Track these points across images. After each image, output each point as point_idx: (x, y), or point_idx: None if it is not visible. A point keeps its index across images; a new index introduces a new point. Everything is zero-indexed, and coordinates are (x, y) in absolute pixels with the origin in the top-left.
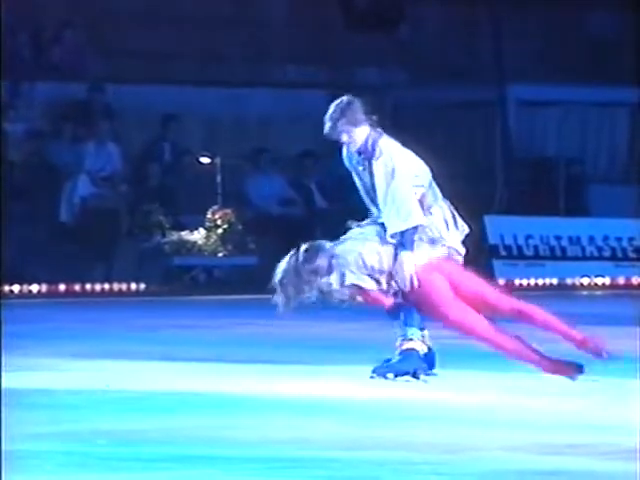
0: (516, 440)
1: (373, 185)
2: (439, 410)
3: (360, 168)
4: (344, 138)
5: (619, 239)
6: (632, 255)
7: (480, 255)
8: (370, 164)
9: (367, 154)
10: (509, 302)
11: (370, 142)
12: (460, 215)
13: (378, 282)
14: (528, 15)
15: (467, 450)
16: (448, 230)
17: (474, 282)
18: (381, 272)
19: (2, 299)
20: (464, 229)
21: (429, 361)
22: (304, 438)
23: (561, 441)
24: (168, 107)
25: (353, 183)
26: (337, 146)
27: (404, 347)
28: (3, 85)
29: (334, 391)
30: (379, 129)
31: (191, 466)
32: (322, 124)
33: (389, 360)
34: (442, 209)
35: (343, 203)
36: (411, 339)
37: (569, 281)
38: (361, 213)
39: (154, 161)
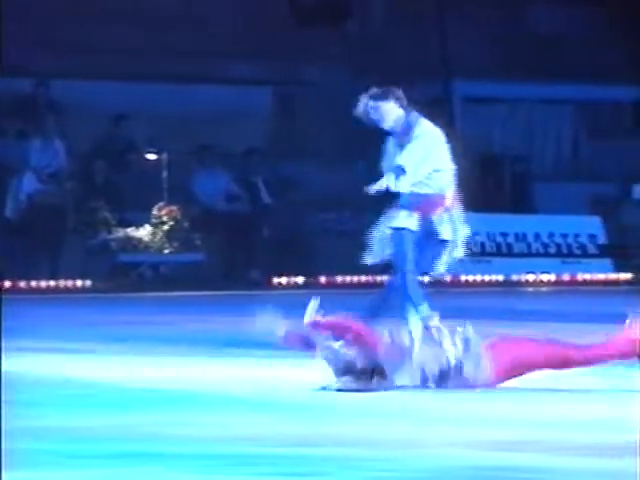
0: (465, 436)
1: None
2: (387, 406)
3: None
4: (377, 116)
5: (565, 236)
6: (577, 252)
7: None
8: (403, 145)
9: (401, 135)
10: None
11: (406, 125)
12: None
13: None
14: (473, 11)
15: (416, 446)
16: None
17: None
18: None
19: None
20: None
21: None
22: (252, 435)
23: (510, 437)
24: (114, 103)
25: (299, 180)
26: (282, 143)
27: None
28: None
29: (283, 388)
30: (416, 113)
31: (138, 463)
32: (269, 120)
33: None
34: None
35: (289, 200)
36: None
37: (515, 277)
38: (307, 210)
39: (100, 158)
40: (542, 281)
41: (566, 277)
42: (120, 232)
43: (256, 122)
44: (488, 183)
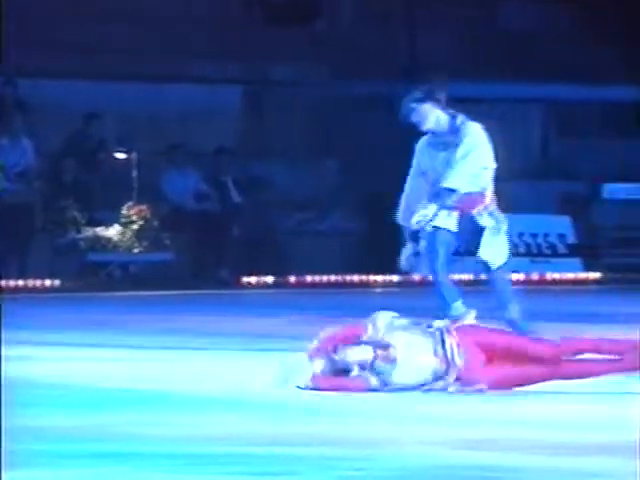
0: (435, 435)
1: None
2: (358, 405)
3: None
4: (417, 118)
5: (534, 235)
6: (547, 251)
7: (397, 250)
8: (449, 145)
9: (446, 135)
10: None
11: (451, 126)
12: None
13: None
14: (443, 10)
15: (386, 445)
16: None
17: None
18: None
19: None
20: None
21: None
22: (224, 434)
23: (479, 436)
24: (83, 102)
25: (268, 180)
26: (252, 142)
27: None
28: None
29: (253, 387)
30: (461, 115)
31: (109, 463)
32: (238, 119)
33: None
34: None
35: (258, 199)
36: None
37: (484, 277)
38: (277, 210)
39: (69, 157)
40: (512, 280)
41: (535, 276)
42: (89, 231)
43: (226, 121)
44: None
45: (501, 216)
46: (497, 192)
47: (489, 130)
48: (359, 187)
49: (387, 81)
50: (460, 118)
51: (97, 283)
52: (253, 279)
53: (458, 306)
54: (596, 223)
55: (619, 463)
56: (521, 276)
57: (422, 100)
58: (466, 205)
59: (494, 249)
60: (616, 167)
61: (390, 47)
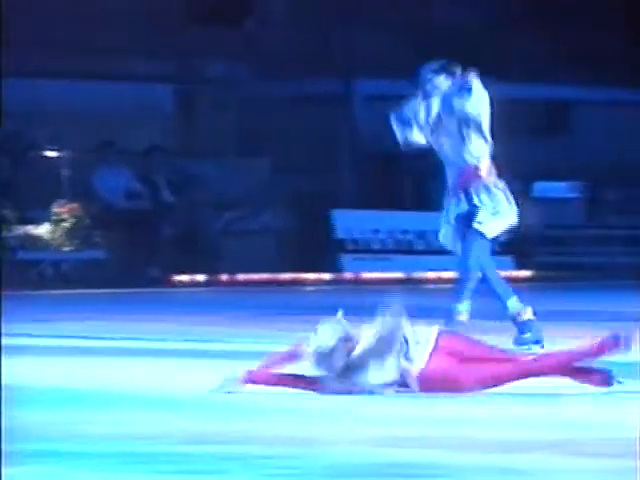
0: (363, 434)
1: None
2: (289, 404)
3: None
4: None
5: None
6: None
7: (328, 249)
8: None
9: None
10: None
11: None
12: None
13: None
14: (373, 9)
15: (316, 444)
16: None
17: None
18: None
19: None
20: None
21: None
22: (155, 433)
23: (408, 434)
24: (14, 100)
25: (199, 179)
26: (183, 141)
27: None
28: None
29: (183, 386)
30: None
31: (42, 462)
32: (170, 118)
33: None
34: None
35: (189, 198)
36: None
37: (416, 275)
38: (208, 209)
39: None
40: (443, 278)
41: None
42: (19, 230)
43: (157, 120)
44: (389, 181)
45: (498, 190)
46: (431, 191)
47: None
48: (290, 186)
49: (318, 80)
50: (470, 75)
51: (28, 282)
52: (184, 277)
53: (513, 303)
54: (526, 222)
55: (546, 460)
56: (452, 274)
57: (437, 72)
58: (463, 181)
59: (488, 223)
60: (545, 166)
61: (320, 46)
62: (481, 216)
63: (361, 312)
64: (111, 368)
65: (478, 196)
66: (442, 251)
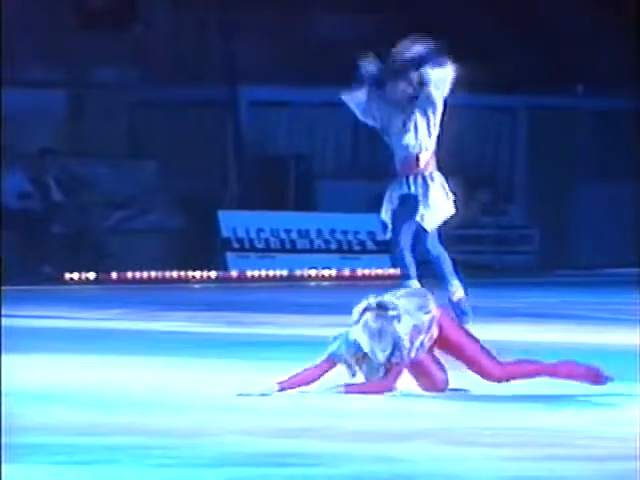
0: (248, 424)
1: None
2: (175, 396)
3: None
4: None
5: (345, 232)
6: (357, 248)
7: (214, 248)
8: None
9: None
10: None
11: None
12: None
13: None
14: (259, 17)
15: (202, 435)
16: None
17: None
18: None
19: None
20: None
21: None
22: (42, 424)
23: (294, 425)
24: None
25: (89, 179)
26: (74, 143)
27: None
28: None
29: (71, 378)
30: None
31: None
32: (61, 121)
33: None
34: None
35: (80, 198)
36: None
37: (298, 272)
38: (97, 208)
39: None
40: (324, 276)
41: (346, 272)
42: None
43: (49, 123)
44: (272, 182)
45: (433, 183)
46: (313, 191)
47: (303, 134)
48: (177, 187)
49: (204, 86)
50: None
51: None
52: (75, 275)
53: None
54: None
55: (422, 448)
56: (333, 272)
57: (410, 59)
58: (403, 169)
59: (427, 213)
60: None
61: (206, 53)
62: (421, 211)
63: (246, 308)
64: (9, 362)
65: (415, 185)
66: (323, 250)
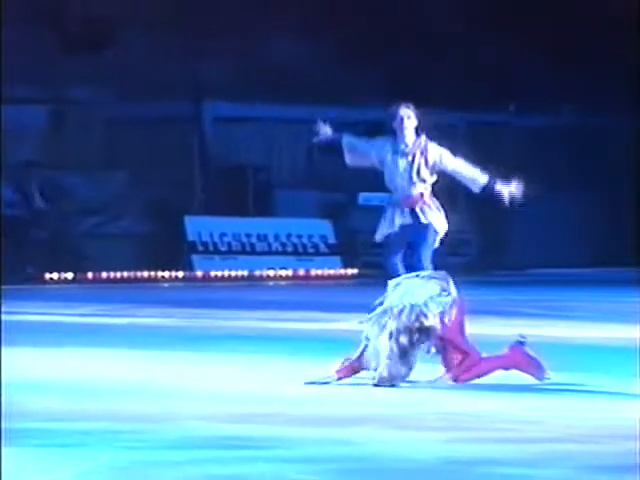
0: (208, 410)
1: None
2: (142, 386)
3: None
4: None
5: (300, 236)
6: (311, 250)
7: (181, 251)
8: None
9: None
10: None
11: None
12: None
13: None
14: (222, 41)
15: (166, 420)
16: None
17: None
18: None
19: None
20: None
21: None
22: (19, 412)
23: (250, 411)
24: None
25: (68, 189)
26: (54, 156)
27: None
28: None
29: (48, 369)
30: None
31: None
32: (42, 136)
33: None
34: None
35: (59, 206)
36: None
37: (258, 273)
38: (75, 215)
39: None
40: (281, 276)
41: (301, 272)
42: None
43: (31, 137)
44: (234, 190)
45: (436, 208)
46: (271, 199)
47: (261, 147)
48: (147, 195)
49: (172, 103)
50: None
51: None
52: (55, 275)
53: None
54: (352, 226)
55: (372, 432)
56: (289, 272)
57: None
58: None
59: (434, 237)
60: (369, 178)
61: (173, 73)
62: (432, 233)
63: (210, 305)
64: None
65: (424, 214)
66: (280, 252)
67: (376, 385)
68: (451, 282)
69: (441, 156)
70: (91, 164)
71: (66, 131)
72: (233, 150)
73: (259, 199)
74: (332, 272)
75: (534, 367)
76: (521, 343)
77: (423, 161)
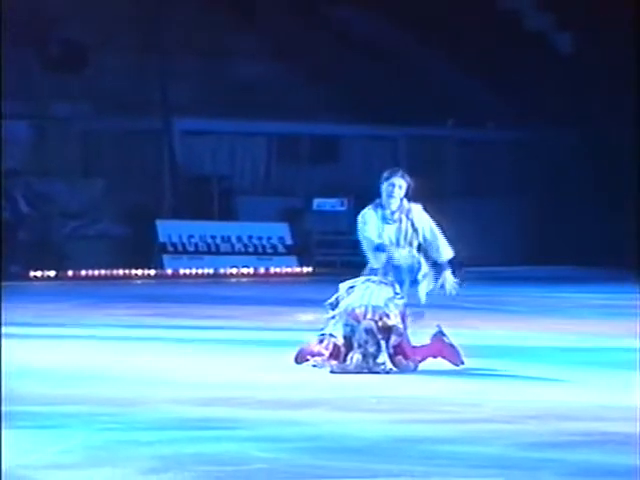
0: (180, 395)
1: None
2: (117, 372)
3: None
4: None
5: (260, 238)
6: (270, 251)
7: (152, 251)
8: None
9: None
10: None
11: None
12: None
13: None
14: (189, 61)
15: (139, 404)
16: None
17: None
18: None
19: None
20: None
21: None
22: (9, 397)
23: (216, 395)
24: None
25: (50, 195)
26: (37, 165)
27: None
28: None
29: (32, 358)
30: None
31: None
32: (27, 147)
33: None
34: None
35: (42, 210)
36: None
37: (222, 271)
38: (56, 218)
39: None
40: (243, 274)
41: (261, 270)
42: None
43: (15, 148)
44: (201, 197)
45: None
46: (234, 205)
47: (225, 158)
48: (122, 201)
49: (145, 118)
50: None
51: None
52: (39, 273)
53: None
54: (308, 228)
55: (323, 414)
56: (251, 270)
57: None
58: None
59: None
60: (322, 186)
61: (145, 90)
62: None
63: (179, 300)
64: None
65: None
66: (242, 252)
67: (332, 372)
68: (397, 286)
69: (424, 229)
70: (71, 173)
71: (48, 143)
72: (199, 161)
73: (223, 205)
74: (289, 270)
75: (453, 354)
76: (441, 333)
77: (410, 224)
